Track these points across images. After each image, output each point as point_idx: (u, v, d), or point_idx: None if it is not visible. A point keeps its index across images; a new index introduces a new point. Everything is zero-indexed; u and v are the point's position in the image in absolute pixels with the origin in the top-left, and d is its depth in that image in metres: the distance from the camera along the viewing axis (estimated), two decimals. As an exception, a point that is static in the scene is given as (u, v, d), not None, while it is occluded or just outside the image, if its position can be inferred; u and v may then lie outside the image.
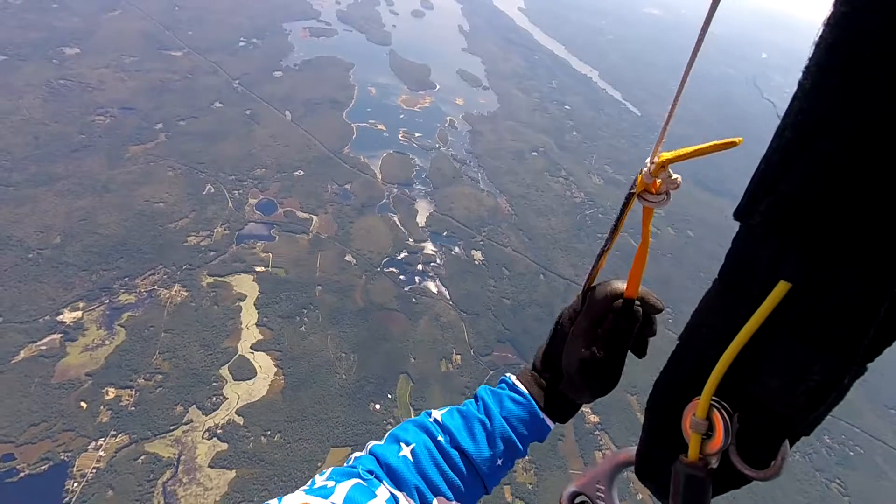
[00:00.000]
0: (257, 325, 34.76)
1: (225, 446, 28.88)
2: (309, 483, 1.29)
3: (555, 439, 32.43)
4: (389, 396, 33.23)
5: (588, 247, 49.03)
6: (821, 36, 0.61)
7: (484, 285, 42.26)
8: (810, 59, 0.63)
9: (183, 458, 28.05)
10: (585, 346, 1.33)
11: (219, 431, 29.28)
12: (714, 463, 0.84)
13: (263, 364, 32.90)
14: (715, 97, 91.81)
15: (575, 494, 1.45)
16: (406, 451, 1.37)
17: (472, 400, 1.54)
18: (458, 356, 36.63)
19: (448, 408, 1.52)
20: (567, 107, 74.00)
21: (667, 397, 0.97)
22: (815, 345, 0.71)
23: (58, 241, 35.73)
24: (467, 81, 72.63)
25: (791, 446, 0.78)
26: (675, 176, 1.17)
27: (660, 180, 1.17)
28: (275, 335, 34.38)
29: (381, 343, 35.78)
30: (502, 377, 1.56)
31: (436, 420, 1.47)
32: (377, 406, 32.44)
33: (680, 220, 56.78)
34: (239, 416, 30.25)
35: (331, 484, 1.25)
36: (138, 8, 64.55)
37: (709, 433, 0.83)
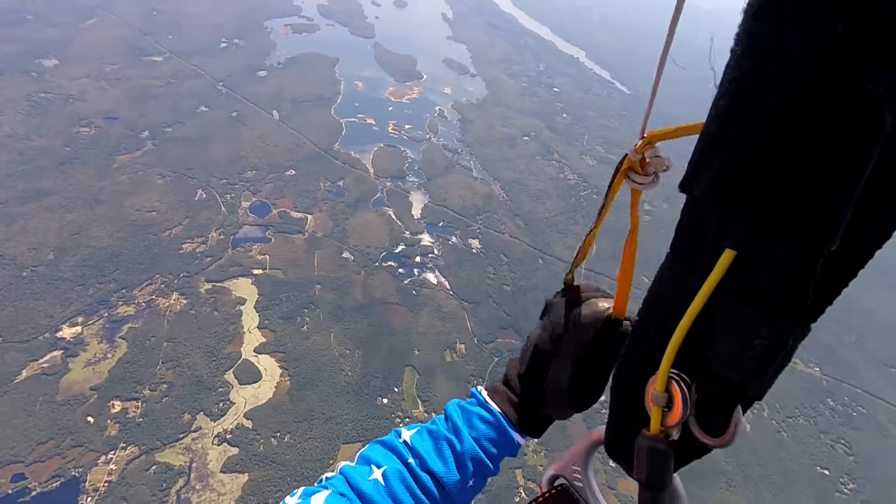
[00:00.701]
0: (259, 327, 34.66)
1: (236, 450, 28.92)
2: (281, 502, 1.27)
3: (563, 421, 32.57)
4: (396, 390, 33.28)
5: (584, 228, 48.59)
6: (749, 2, 0.63)
7: (483, 273, 42.20)
8: (740, 26, 0.65)
9: (194, 465, 28.09)
10: (573, 369, 1.33)
11: (228, 436, 29.30)
12: (675, 434, 0.85)
13: (268, 366, 32.86)
14: (705, 73, 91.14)
15: (554, 478, 1.44)
16: (377, 473, 1.35)
17: (442, 417, 1.51)
18: (462, 345, 36.67)
19: (418, 427, 1.48)
20: (556, 89, 73.50)
21: (629, 373, 0.96)
22: (762, 309, 0.72)
23: (51, 256, 35.41)
24: (454, 70, 71.96)
25: (744, 412, 0.79)
26: (663, 155, 1.13)
27: (648, 159, 1.13)
28: (277, 337, 34.30)
29: (384, 337, 35.76)
30: (472, 390, 1.53)
31: (405, 441, 1.44)
32: (385, 400, 32.50)
33: (675, 196, 55.93)
34: (247, 419, 30.26)
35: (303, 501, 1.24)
36: (115, 15, 63.45)
37: (669, 405, 0.83)
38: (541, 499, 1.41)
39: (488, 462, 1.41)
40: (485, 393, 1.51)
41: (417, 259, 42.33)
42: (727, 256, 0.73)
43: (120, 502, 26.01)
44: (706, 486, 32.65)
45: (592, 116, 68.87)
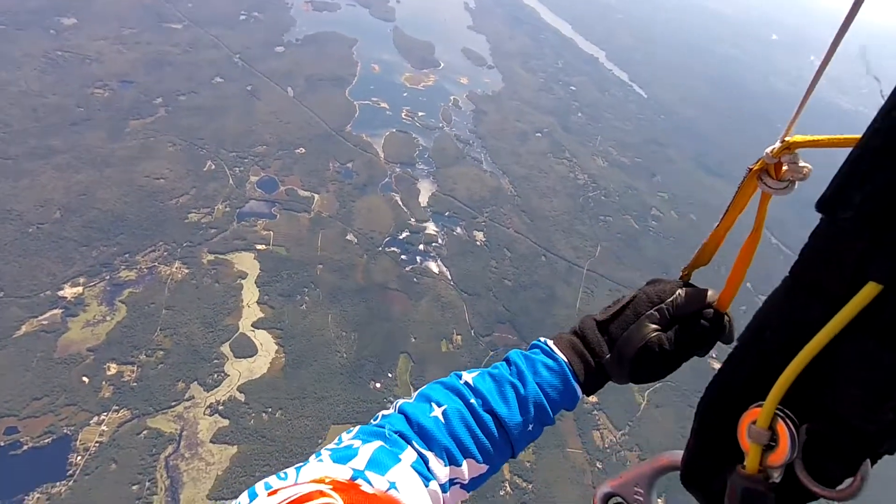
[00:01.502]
0: (258, 302, 34.78)
1: (226, 422, 29.16)
2: (336, 441, 1.28)
3: (553, 420, 32.66)
4: (390, 375, 33.42)
5: (590, 229, 48.76)
6: None
7: (485, 266, 42.14)
8: None
9: (185, 433, 28.35)
10: (654, 332, 1.29)
11: (220, 408, 29.53)
12: (776, 477, 0.76)
13: (264, 342, 33.01)
14: (724, 79, 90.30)
15: (610, 495, 1.39)
16: (437, 411, 1.35)
17: (504, 363, 1.49)
18: (459, 336, 36.73)
19: (479, 370, 1.48)
20: (573, 87, 72.78)
21: (721, 403, 0.88)
22: None
23: (57, 215, 35.53)
24: (472, 60, 71.31)
25: (872, 465, 0.69)
26: (802, 164, 1.03)
27: (784, 166, 1.06)
28: (276, 313, 34.42)
29: (381, 322, 35.84)
30: (535, 342, 1.51)
31: (467, 383, 1.43)
32: (377, 385, 32.65)
33: (684, 204, 56.35)
34: (240, 392, 30.48)
35: (356, 444, 1.23)
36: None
37: (770, 444, 0.75)
38: None
39: (549, 409, 1.40)
40: (550, 342, 1.49)
41: (421, 247, 42.28)
42: (869, 291, 0.62)
43: (109, 463, 26.31)
44: None
45: (607, 118, 68.25)
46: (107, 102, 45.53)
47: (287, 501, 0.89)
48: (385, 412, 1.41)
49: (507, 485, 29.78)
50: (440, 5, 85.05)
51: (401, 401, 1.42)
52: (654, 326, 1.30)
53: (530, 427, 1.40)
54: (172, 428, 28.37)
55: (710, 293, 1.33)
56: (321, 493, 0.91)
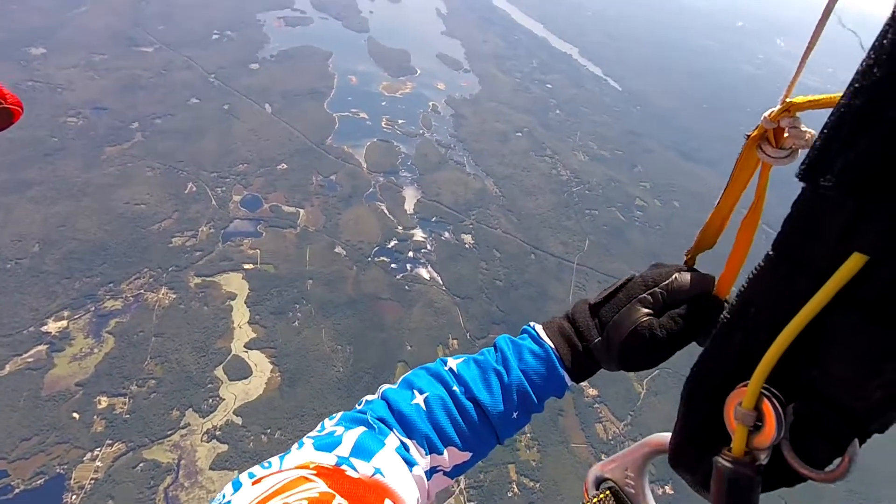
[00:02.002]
0: (249, 323, 34.26)
1: (225, 447, 28.58)
2: (318, 427, 1.25)
3: (555, 414, 32.61)
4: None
5: (577, 223, 48.99)
6: None
7: (476, 268, 42.07)
8: None
9: (183, 462, 27.72)
10: (646, 317, 1.22)
11: (217, 433, 28.94)
12: (763, 459, 0.74)
13: (258, 362, 32.49)
14: (696, 68, 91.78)
15: (601, 479, 1.36)
16: (419, 399, 1.32)
17: (491, 349, 1.45)
18: (455, 341, 36.52)
19: (464, 356, 1.44)
20: (549, 85, 73.43)
21: (707, 384, 0.85)
22: None
23: (36, 249, 34.72)
24: (448, 65, 71.65)
25: (861, 444, 0.66)
26: (804, 129, 0.95)
27: (785, 132, 0.97)
28: (268, 332, 33.93)
29: (376, 333, 35.52)
30: (525, 326, 1.45)
31: (451, 369, 1.39)
32: (376, 396, 32.24)
33: (666, 192, 56.93)
34: (237, 416, 29.91)
35: (339, 431, 1.20)
36: (104, 3, 62.35)
37: (757, 425, 0.73)
38: (593, 503, 1.32)
39: (534, 397, 1.35)
40: (538, 327, 1.43)
41: (410, 254, 42.11)
42: (854, 262, 0.59)
43: (106, 500, 25.59)
44: None
45: (585, 112, 68.89)
46: (81, 130, 44.78)
47: (272, 489, 0.87)
48: (369, 397, 1.39)
49: (514, 486, 29.55)
50: (412, 13, 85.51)
51: (385, 386, 1.39)
52: (645, 311, 1.23)
53: (515, 415, 1.36)
54: (170, 458, 27.71)
55: (709, 276, 1.26)
56: (306, 479, 0.89)
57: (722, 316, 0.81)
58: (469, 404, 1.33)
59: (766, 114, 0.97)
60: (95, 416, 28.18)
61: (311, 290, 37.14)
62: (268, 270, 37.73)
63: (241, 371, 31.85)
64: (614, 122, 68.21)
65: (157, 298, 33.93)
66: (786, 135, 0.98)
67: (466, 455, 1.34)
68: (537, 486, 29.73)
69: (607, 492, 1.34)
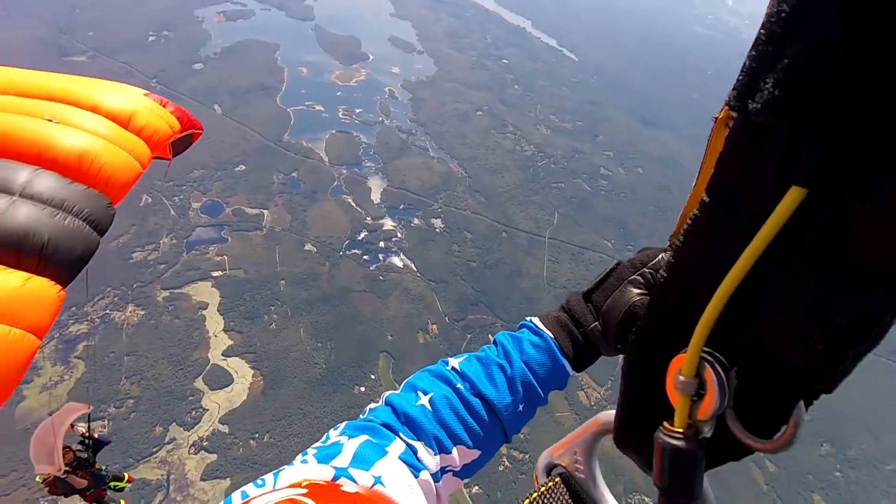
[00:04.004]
0: (225, 330, 33.73)
1: (214, 457, 28.34)
2: (323, 438, 1.24)
3: (540, 389, 33.34)
4: (373, 377, 33.20)
5: (544, 198, 49.48)
6: None
7: (448, 251, 42.20)
8: None
9: (172, 476, 27.40)
10: (638, 296, 1.21)
11: (205, 444, 28.64)
12: (707, 431, 0.67)
13: (239, 369, 32.11)
14: (647, 31, 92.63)
15: (551, 466, 1.32)
16: (424, 399, 1.31)
17: (491, 345, 1.46)
18: (435, 325, 36.78)
19: (466, 355, 1.45)
20: (505, 61, 73.09)
21: (646, 353, 0.78)
22: (842, 273, 0.52)
23: (-11, 279, 33.13)
24: (400, 48, 70.40)
25: (807, 408, 0.60)
26: None
27: None
28: (245, 338, 33.48)
29: (355, 326, 35.44)
30: (522, 321, 1.46)
31: (454, 368, 1.40)
32: (362, 389, 32.39)
33: (629, 158, 57.89)
34: (223, 424, 29.63)
35: (342, 440, 1.19)
36: (25, 12, 58.64)
37: (700, 393, 0.66)
38: (540, 491, 1.26)
39: (538, 388, 1.35)
40: (536, 320, 1.43)
41: (381, 244, 41.91)
42: (793, 197, 0.52)
43: (97, 525, 25.13)
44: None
45: (543, 86, 69.00)
46: (20, 150, 42.50)
47: None
48: (373, 405, 1.37)
49: (505, 459, 30.31)
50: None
51: (388, 392, 1.37)
52: (637, 291, 1.22)
53: (521, 407, 1.35)
54: (158, 474, 27.33)
55: None
56: (290, 502, 0.85)
57: (657, 276, 0.74)
58: (475, 400, 1.32)
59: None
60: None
61: (285, 290, 36.67)
62: (237, 276, 37.02)
63: (221, 379, 31.42)
64: (573, 94, 68.58)
65: (124, 317, 32.97)
66: None
67: (475, 453, 1.32)
68: (527, 457, 30.55)
69: (557, 479, 1.29)
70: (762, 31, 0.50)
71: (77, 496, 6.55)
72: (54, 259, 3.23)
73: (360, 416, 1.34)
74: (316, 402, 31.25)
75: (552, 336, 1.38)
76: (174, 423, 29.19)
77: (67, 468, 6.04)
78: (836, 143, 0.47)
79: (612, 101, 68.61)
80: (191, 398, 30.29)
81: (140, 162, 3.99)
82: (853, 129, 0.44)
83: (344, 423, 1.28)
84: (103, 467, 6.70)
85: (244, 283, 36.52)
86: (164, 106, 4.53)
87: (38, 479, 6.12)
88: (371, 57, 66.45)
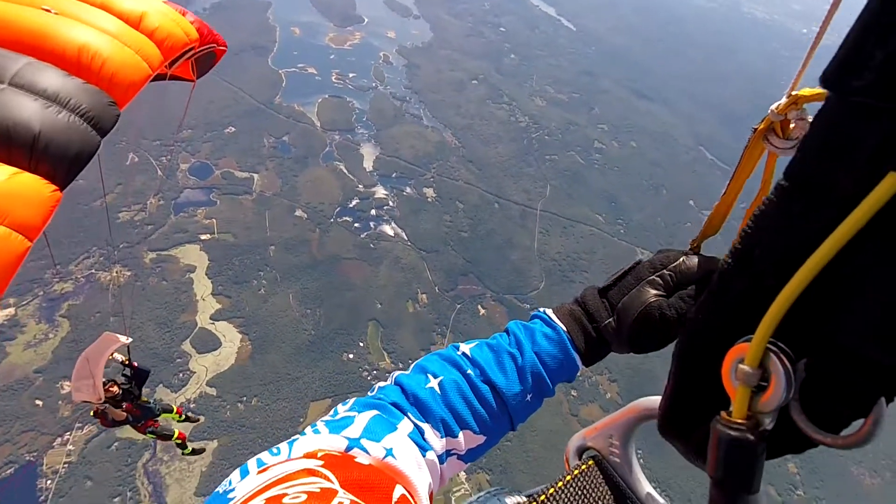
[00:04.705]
0: (213, 294, 33.52)
1: (202, 419, 28.48)
2: (332, 412, 1.22)
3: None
4: (361, 344, 33.34)
5: (538, 170, 49.11)
6: None
7: (440, 221, 41.96)
8: None
9: (159, 436, 27.57)
10: (655, 298, 1.21)
11: (192, 406, 28.74)
12: (768, 424, 0.63)
13: (227, 333, 32.06)
14: (645, 2, 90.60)
15: (582, 448, 1.31)
16: (434, 383, 1.30)
17: (503, 334, 1.43)
18: (424, 295, 36.83)
19: (477, 341, 1.42)
20: (502, 28, 71.36)
21: (703, 340, 0.75)
22: None
23: (-31, 236, 32.41)
24: (396, 11, 68.36)
25: (888, 403, 0.56)
26: (811, 118, 0.94)
27: (793, 123, 0.95)
28: (233, 302, 33.32)
29: (344, 293, 35.38)
30: (535, 312, 1.43)
31: (464, 353, 1.38)
32: (350, 356, 32.55)
33: (623, 132, 57.42)
34: (210, 387, 29.73)
35: (353, 414, 1.18)
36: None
37: (761, 385, 0.63)
38: (573, 474, 1.22)
39: (548, 379, 1.33)
40: (549, 312, 1.41)
41: (373, 212, 41.52)
42: (890, 184, 0.46)
43: (84, 481, 25.39)
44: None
45: (540, 55, 67.65)
46: None
47: (273, 479, 0.87)
48: (381, 384, 1.34)
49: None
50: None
51: (397, 373, 1.36)
52: (654, 292, 1.21)
53: (529, 397, 1.34)
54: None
55: (717, 260, 1.20)
56: (308, 472, 0.88)
57: (721, 262, 0.69)
58: (485, 387, 1.31)
59: (774, 107, 0.93)
60: (60, 402, 27.43)
61: (274, 256, 36.36)
62: (226, 240, 36.57)
63: (209, 343, 31.39)
64: (569, 64, 67.37)
65: (110, 277, 32.53)
66: (792, 125, 0.94)
67: (481, 438, 1.32)
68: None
69: (591, 462, 1.27)
70: (866, 10, 0.46)
71: (130, 426, 6.71)
72: (47, 155, 2.92)
73: (369, 394, 1.33)
74: (304, 367, 31.39)
75: (565, 329, 1.37)
76: (161, 385, 29.22)
77: (108, 400, 6.02)
78: None
79: (609, 72, 67.57)
80: (178, 360, 30.27)
81: (149, 64, 3.62)
82: None
83: (353, 400, 1.27)
84: (150, 400, 6.81)
85: (233, 247, 36.12)
86: (184, 15, 4.11)
87: (91, 413, 6.18)
88: (366, 20, 64.52)
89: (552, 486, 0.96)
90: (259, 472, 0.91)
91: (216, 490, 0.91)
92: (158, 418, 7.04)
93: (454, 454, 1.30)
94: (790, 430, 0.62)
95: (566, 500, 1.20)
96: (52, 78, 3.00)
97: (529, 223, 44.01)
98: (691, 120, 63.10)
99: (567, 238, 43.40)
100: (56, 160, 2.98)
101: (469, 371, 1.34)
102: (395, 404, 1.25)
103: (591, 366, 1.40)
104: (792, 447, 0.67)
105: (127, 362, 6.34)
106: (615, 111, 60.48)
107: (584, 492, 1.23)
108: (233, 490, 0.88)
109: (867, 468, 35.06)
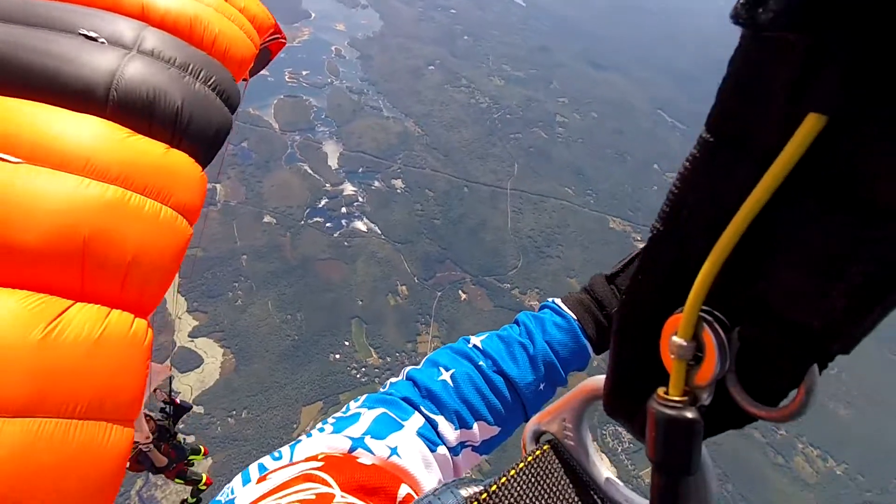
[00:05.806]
0: (188, 311, 32.78)
1: (192, 439, 28.01)
2: (343, 409, 1.25)
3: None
4: (347, 343, 33.19)
5: (503, 150, 49.24)
6: None
7: (411, 211, 41.80)
8: None
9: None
10: None
11: (181, 426, 28.18)
12: (705, 398, 0.59)
13: (208, 349, 31.47)
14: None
15: (539, 433, 1.25)
16: (446, 375, 1.32)
17: (513, 324, 1.47)
18: (404, 287, 36.78)
19: (487, 333, 1.45)
20: (453, 11, 70.74)
21: (637, 314, 0.69)
22: (869, 216, 0.42)
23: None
24: (343, 2, 66.99)
25: (821, 371, 0.51)
26: None
27: None
28: (210, 317, 32.68)
29: (324, 294, 35.07)
30: (545, 302, 1.46)
31: (475, 346, 1.40)
32: (337, 356, 32.39)
33: (583, 104, 57.94)
34: (197, 405, 29.19)
35: (362, 411, 1.20)
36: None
37: (698, 356, 0.57)
38: (527, 461, 1.16)
39: (560, 368, 1.36)
40: (559, 301, 1.44)
41: (343, 210, 41.07)
42: (809, 127, 0.41)
43: (78, 517, 24.78)
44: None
45: (494, 35, 67.43)
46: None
47: (270, 489, 0.85)
48: (394, 379, 1.37)
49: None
50: (292, -51, 77.97)
51: (409, 368, 1.38)
52: None
53: (541, 387, 1.37)
54: (136, 461, 26.95)
55: None
56: (306, 478, 0.85)
57: (651, 227, 0.62)
58: (497, 378, 1.32)
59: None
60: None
61: (247, 265, 35.71)
62: (195, 254, 35.55)
63: (191, 361, 30.78)
64: (523, 41, 67.37)
65: (78, 307, 31.53)
66: None
67: (495, 430, 1.33)
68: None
69: (546, 446, 1.17)
70: None
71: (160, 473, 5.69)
72: (189, 131, 2.53)
73: (381, 390, 1.34)
74: (291, 373, 31.13)
75: (575, 317, 1.39)
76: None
77: (153, 440, 5.16)
78: (867, 55, 0.37)
79: (563, 45, 67.87)
80: (161, 383, 29.62)
81: (253, 42, 3.24)
82: (888, 44, 0.35)
83: (364, 396, 1.28)
84: (182, 439, 5.97)
85: (203, 261, 35.27)
86: None
87: None
88: (313, 14, 63.01)
89: (504, 476, 0.93)
90: (258, 482, 0.90)
91: (216, 498, 0.90)
92: (189, 462, 6.15)
93: (469, 445, 1.31)
94: (728, 404, 0.58)
95: (520, 487, 1.17)
96: (176, 46, 2.62)
97: (500, 203, 44.21)
98: (648, 85, 64.00)
99: (539, 214, 43.78)
100: (198, 137, 2.61)
101: (481, 362, 1.35)
102: (405, 399, 1.26)
103: (603, 352, 1.32)
104: (731, 422, 0.62)
105: (167, 401, 5.52)
106: (573, 84, 60.87)
107: (539, 478, 1.20)
108: (233, 500, 0.87)
109: (842, 401, 36.94)
